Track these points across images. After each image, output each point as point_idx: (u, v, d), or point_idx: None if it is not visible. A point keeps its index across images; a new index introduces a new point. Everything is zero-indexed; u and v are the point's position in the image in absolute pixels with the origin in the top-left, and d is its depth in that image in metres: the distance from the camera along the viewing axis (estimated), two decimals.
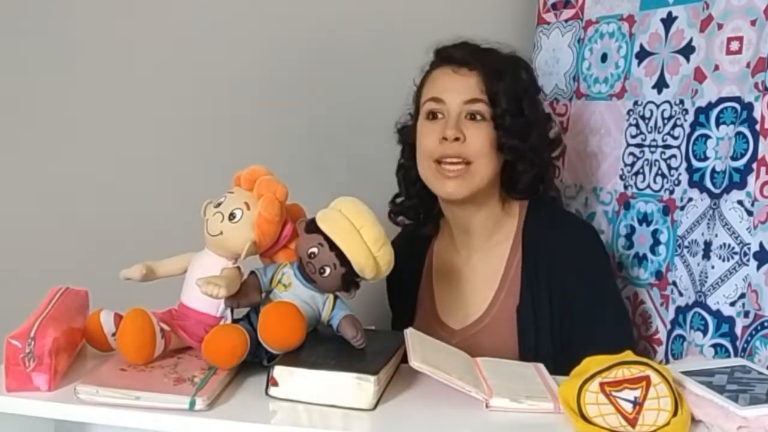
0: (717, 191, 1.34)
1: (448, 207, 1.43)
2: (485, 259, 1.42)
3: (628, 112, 1.54)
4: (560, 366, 1.10)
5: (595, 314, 1.33)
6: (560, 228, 1.39)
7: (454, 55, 1.40)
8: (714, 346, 1.31)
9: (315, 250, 1.05)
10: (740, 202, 1.29)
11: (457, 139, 1.33)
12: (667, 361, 1.40)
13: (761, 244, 1.25)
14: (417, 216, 1.49)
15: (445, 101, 1.36)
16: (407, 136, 1.47)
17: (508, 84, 1.37)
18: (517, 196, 1.42)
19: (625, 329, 1.38)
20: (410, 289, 1.51)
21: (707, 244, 1.33)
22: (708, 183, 1.36)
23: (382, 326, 1.52)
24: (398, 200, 1.51)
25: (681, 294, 1.40)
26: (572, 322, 1.33)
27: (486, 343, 1.34)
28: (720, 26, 1.36)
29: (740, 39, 1.32)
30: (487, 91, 1.36)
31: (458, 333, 1.40)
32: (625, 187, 1.55)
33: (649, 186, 1.50)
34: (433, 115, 1.38)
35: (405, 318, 1.47)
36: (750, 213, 1.27)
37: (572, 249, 1.36)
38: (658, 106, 1.48)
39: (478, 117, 1.36)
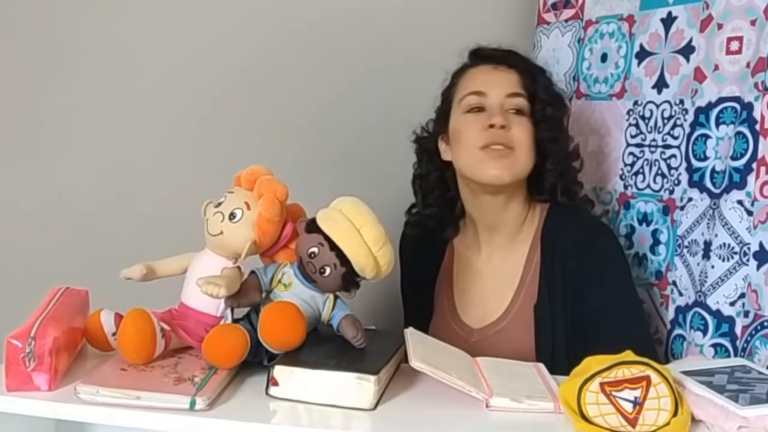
0: (717, 191, 1.34)
1: (479, 202, 1.42)
2: (506, 259, 1.43)
3: (628, 112, 1.54)
4: (575, 367, 1.08)
5: (610, 315, 1.32)
6: (578, 229, 1.39)
7: (493, 54, 1.45)
8: (714, 345, 1.31)
9: (315, 249, 1.05)
10: (740, 202, 1.29)
11: (503, 126, 1.35)
12: (667, 361, 1.39)
13: (761, 244, 1.25)
14: (437, 224, 1.49)
15: (487, 94, 1.39)
16: (426, 145, 1.49)
17: (543, 83, 1.44)
18: (541, 198, 1.43)
19: (641, 330, 1.36)
20: (427, 285, 1.51)
21: (707, 244, 1.33)
22: (708, 183, 1.36)
23: (382, 326, 1.52)
24: (414, 210, 1.52)
25: (681, 294, 1.40)
26: (587, 323, 1.32)
27: (505, 343, 1.34)
28: (720, 26, 1.36)
29: (740, 39, 1.32)
30: (526, 88, 1.40)
31: (477, 332, 1.40)
32: (625, 187, 1.55)
33: (649, 186, 1.50)
34: (476, 109, 1.39)
35: (421, 315, 1.48)
36: (750, 213, 1.27)
37: (589, 250, 1.35)
38: (658, 106, 1.48)
39: (520, 112, 1.39)
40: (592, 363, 0.99)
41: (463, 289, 1.46)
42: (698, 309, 1.35)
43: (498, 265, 1.44)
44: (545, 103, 1.41)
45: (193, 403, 0.93)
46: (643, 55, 1.52)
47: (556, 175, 1.42)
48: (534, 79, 1.42)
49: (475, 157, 1.37)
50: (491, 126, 1.35)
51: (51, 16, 1.57)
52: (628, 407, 0.93)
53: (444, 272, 1.50)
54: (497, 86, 1.40)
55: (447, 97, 1.47)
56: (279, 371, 0.98)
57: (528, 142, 1.38)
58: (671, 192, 1.45)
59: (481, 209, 1.43)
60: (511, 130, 1.36)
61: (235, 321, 1.07)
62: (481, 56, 1.46)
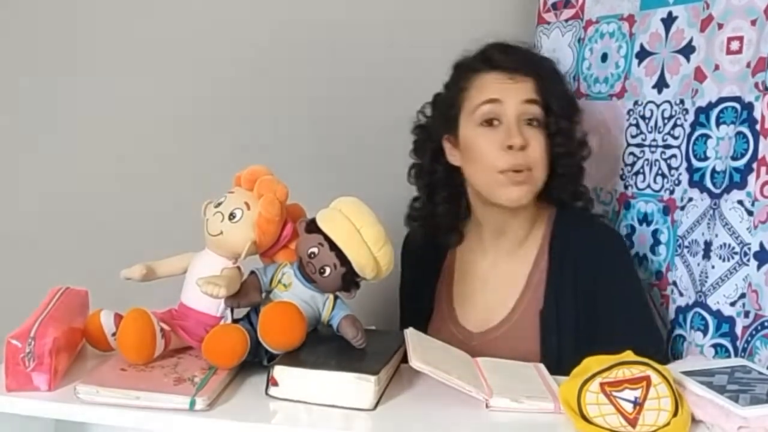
0: (717, 191, 1.34)
1: (488, 209, 1.40)
2: (511, 264, 1.41)
3: (628, 112, 1.54)
4: None
5: (619, 316, 1.31)
6: (586, 232, 1.38)
7: (508, 61, 1.37)
8: (714, 346, 1.31)
9: (315, 250, 1.05)
10: (740, 202, 1.29)
11: (523, 147, 1.32)
12: (668, 361, 1.39)
13: (761, 244, 1.25)
14: (448, 225, 1.45)
15: (503, 102, 1.34)
16: (427, 140, 1.44)
17: (559, 92, 1.39)
18: (549, 202, 1.41)
19: (651, 331, 1.35)
20: (427, 287, 1.49)
21: (707, 244, 1.33)
22: (708, 183, 1.36)
23: (382, 326, 1.52)
24: (417, 204, 1.47)
25: (681, 294, 1.40)
26: (596, 324, 1.31)
27: (506, 348, 1.30)
28: (720, 26, 1.36)
29: (740, 39, 1.32)
30: (541, 94, 1.36)
31: (476, 336, 1.39)
32: (626, 187, 1.55)
33: (649, 186, 1.50)
34: (488, 122, 1.35)
35: (419, 317, 1.45)
36: (750, 213, 1.27)
37: (597, 252, 1.34)
38: (658, 106, 1.48)
39: (535, 122, 1.35)
40: (592, 363, 0.99)
41: (464, 292, 1.45)
42: (698, 309, 1.35)
43: (503, 270, 1.42)
44: (559, 116, 1.37)
45: (193, 403, 0.93)
46: (643, 54, 1.52)
47: (566, 184, 1.40)
48: (553, 84, 1.38)
49: (493, 180, 1.34)
50: (510, 147, 1.32)
51: (50, 16, 1.57)
52: (628, 407, 0.93)
53: (445, 274, 1.49)
54: (513, 95, 1.34)
55: (454, 101, 1.40)
56: (279, 371, 0.98)
57: (544, 158, 1.35)
58: (671, 192, 1.45)
59: (489, 215, 1.41)
60: (529, 147, 1.33)
61: (235, 321, 1.07)
62: (495, 63, 1.38)
